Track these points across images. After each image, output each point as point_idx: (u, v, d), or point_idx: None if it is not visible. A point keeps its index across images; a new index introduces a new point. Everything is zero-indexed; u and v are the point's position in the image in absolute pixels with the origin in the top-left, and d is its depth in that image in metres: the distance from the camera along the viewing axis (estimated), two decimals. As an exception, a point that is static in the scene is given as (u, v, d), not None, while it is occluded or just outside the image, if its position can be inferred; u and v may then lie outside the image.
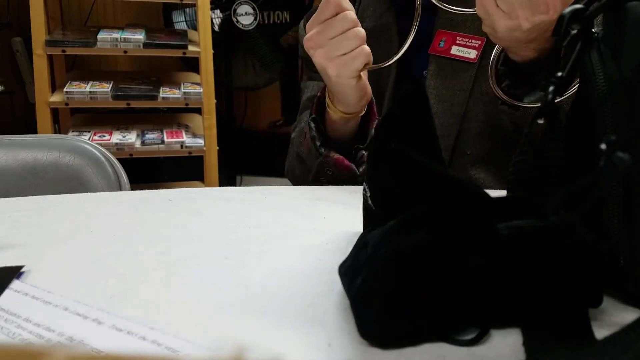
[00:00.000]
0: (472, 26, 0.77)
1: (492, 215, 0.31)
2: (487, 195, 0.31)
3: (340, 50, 0.64)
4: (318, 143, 0.73)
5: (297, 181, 0.84)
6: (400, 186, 0.34)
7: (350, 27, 0.63)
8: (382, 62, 0.69)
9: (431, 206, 0.31)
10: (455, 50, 0.77)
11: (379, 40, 0.80)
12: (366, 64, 0.66)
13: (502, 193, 0.40)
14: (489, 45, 0.74)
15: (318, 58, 0.65)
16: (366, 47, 0.64)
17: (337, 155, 0.72)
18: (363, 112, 0.73)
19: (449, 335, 0.31)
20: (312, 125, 0.74)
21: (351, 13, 0.63)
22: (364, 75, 0.69)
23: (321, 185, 0.74)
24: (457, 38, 0.77)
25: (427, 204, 0.31)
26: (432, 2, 0.68)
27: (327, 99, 0.72)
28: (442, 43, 0.78)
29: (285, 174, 0.88)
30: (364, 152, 0.73)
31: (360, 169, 0.71)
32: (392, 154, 0.34)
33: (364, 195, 0.41)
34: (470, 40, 0.76)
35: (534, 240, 0.31)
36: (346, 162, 0.71)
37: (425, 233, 0.30)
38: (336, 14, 0.63)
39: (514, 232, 0.31)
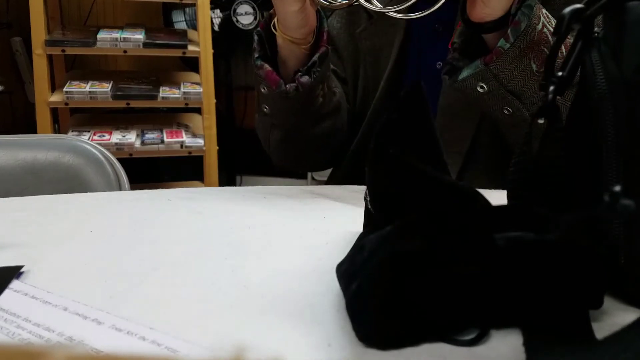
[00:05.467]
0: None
1: (490, 223, 0.31)
2: (486, 201, 0.31)
3: None
4: (256, 55, 0.70)
5: (259, 131, 0.81)
6: (399, 192, 0.34)
7: None
8: (381, 50, 0.66)
9: (428, 213, 0.31)
10: None
11: (384, 23, 0.77)
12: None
13: (502, 194, 0.40)
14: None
15: None
16: None
17: (268, 68, 0.68)
18: (309, 42, 0.69)
19: (449, 335, 0.31)
20: (255, 37, 0.71)
21: None
22: (309, 5, 0.65)
23: (267, 118, 0.72)
24: None
25: (425, 210, 0.31)
26: None
27: (274, 20, 0.69)
28: None
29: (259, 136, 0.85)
30: (303, 74, 0.69)
31: (288, 85, 0.68)
32: (390, 160, 0.34)
33: (365, 200, 0.41)
34: None
35: (532, 253, 0.31)
36: (275, 75, 0.68)
37: (420, 241, 0.30)
38: None
39: (511, 244, 0.31)
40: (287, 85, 0.67)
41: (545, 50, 0.59)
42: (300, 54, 0.70)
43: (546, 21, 0.61)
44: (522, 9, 0.59)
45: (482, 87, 0.61)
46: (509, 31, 0.59)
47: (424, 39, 0.80)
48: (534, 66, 0.60)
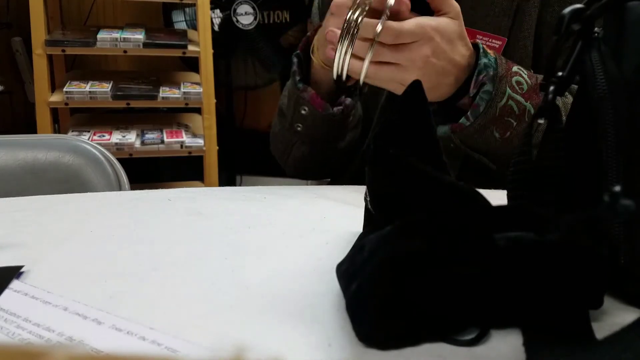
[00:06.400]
0: (493, 22, 0.74)
1: (490, 223, 0.31)
2: (486, 201, 0.31)
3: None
4: (297, 78, 0.71)
5: (275, 143, 0.83)
6: (399, 192, 0.34)
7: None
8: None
9: (428, 213, 0.31)
10: None
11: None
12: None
13: (502, 194, 0.40)
14: (508, 47, 0.73)
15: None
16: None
17: (313, 92, 0.70)
18: None
19: (449, 335, 0.31)
20: (295, 60, 0.73)
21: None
22: None
23: (297, 136, 0.74)
24: (477, 36, 0.74)
25: (425, 210, 0.31)
26: None
27: (314, 43, 0.71)
28: None
29: (270, 148, 0.87)
30: (344, 98, 0.71)
31: (336, 109, 0.70)
32: (390, 160, 0.34)
33: (365, 200, 0.41)
34: (490, 40, 0.74)
35: (532, 254, 0.31)
36: (320, 99, 0.70)
37: (420, 241, 0.30)
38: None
39: (511, 244, 0.31)
40: (335, 109, 0.70)
41: (511, 120, 0.64)
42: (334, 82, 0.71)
43: (514, 90, 0.64)
44: (480, 94, 0.63)
45: (452, 144, 0.67)
46: (469, 112, 0.64)
47: None
48: (496, 135, 0.65)
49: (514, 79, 0.64)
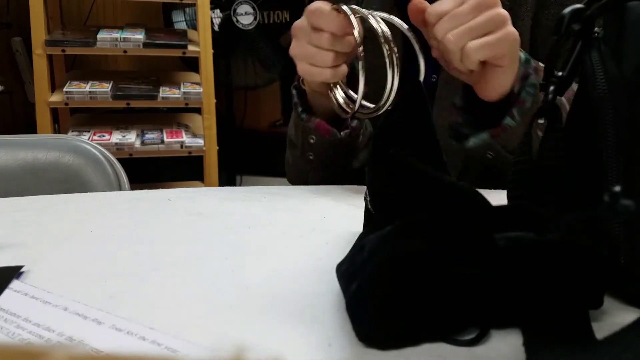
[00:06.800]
0: None
1: (490, 223, 0.31)
2: (486, 201, 0.31)
3: (308, 59, 0.62)
4: (300, 109, 0.72)
5: (291, 173, 0.83)
6: (399, 192, 0.34)
7: (325, 48, 0.61)
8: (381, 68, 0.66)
9: (428, 213, 0.31)
10: None
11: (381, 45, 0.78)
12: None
13: (502, 194, 0.40)
14: None
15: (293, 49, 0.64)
16: (329, 71, 0.62)
17: (317, 120, 0.70)
18: None
19: (449, 335, 0.31)
20: (294, 92, 0.73)
21: (329, 36, 0.60)
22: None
23: (311, 164, 0.74)
24: None
25: (425, 210, 0.31)
26: None
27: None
28: None
29: (287, 177, 0.88)
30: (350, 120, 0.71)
31: (343, 132, 0.70)
32: (390, 160, 0.34)
33: (365, 200, 0.41)
34: None
35: (532, 254, 0.31)
36: (326, 125, 0.70)
37: (420, 241, 0.30)
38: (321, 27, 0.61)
39: (511, 244, 0.31)
40: (342, 133, 0.70)
41: None
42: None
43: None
44: (526, 89, 0.60)
45: (490, 154, 0.63)
46: (513, 110, 0.61)
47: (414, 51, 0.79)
48: (539, 132, 0.61)
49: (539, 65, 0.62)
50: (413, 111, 0.37)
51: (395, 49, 0.59)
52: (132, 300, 0.36)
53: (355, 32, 0.60)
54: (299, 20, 0.63)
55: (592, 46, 0.36)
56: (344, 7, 0.60)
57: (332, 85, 0.66)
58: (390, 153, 0.33)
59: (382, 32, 0.59)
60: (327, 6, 0.61)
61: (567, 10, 0.36)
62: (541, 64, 0.63)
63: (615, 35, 0.35)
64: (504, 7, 0.70)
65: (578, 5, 0.36)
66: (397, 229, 0.32)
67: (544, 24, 0.73)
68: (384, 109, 0.61)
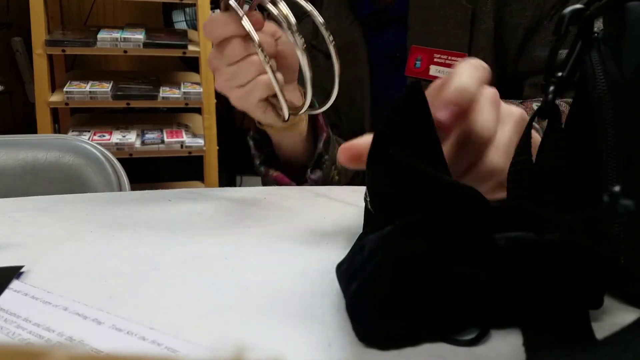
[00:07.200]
0: (451, 37, 0.69)
1: (490, 223, 0.31)
2: (486, 201, 0.31)
3: (235, 81, 0.54)
4: (257, 162, 0.69)
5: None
6: (399, 192, 0.34)
7: (241, 56, 0.52)
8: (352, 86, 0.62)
9: (428, 213, 0.31)
10: (434, 70, 0.69)
11: (345, 59, 0.67)
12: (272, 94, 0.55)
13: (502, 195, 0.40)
14: None
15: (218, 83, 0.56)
16: (261, 78, 0.53)
17: (275, 173, 0.67)
18: (302, 131, 0.64)
19: (449, 335, 0.31)
20: (251, 143, 0.69)
21: (238, 41, 0.51)
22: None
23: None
24: (434, 55, 0.69)
25: (425, 210, 0.31)
26: (401, 13, 0.60)
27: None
28: (418, 63, 0.70)
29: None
30: (312, 170, 0.66)
31: (306, 185, 0.65)
32: (390, 160, 0.34)
33: (365, 200, 0.41)
34: (449, 58, 0.69)
35: (532, 254, 0.31)
36: (286, 179, 0.66)
37: (420, 241, 0.30)
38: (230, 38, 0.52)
39: (511, 244, 0.31)
40: (306, 184, 0.66)
41: None
42: (299, 142, 0.66)
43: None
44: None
45: None
46: None
47: (385, 67, 0.75)
48: None
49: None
50: (413, 111, 0.37)
51: (299, 33, 0.51)
52: (132, 300, 0.36)
53: (245, 23, 0.49)
54: (210, 52, 0.55)
55: (592, 46, 0.36)
56: (230, 1, 0.50)
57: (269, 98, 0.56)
58: (390, 153, 0.33)
59: (285, 16, 0.50)
60: (219, 12, 0.52)
61: (567, 10, 0.36)
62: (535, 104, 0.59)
63: (615, 35, 0.35)
64: (465, 8, 0.67)
65: (578, 5, 0.36)
66: (397, 229, 0.32)
67: (508, 21, 0.70)
68: (308, 104, 0.56)
